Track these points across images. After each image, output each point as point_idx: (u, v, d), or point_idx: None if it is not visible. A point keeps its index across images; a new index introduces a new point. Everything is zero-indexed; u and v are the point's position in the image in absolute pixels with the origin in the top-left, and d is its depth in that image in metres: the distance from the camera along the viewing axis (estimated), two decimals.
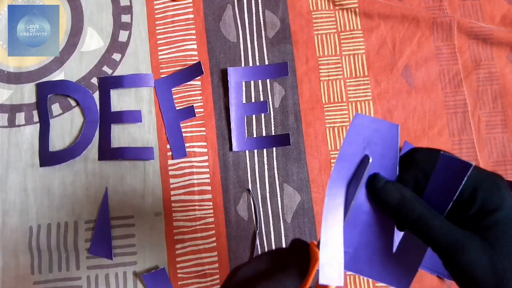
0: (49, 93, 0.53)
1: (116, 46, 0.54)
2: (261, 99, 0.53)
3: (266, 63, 0.54)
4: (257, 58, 0.54)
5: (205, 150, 0.52)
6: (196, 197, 0.51)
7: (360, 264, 0.25)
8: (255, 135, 0.52)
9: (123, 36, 0.54)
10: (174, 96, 0.53)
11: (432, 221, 0.21)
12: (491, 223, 0.20)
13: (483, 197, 0.21)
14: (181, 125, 0.52)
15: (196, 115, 0.52)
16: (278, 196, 0.51)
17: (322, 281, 0.22)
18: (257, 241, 0.50)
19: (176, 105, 0.53)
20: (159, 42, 0.54)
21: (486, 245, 0.20)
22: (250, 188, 0.51)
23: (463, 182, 0.21)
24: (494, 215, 0.20)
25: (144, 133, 0.52)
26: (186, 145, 0.52)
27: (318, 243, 0.23)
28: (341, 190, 0.25)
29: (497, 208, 0.20)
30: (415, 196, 0.23)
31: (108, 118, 0.52)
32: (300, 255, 0.25)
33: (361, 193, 0.25)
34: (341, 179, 0.25)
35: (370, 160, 0.24)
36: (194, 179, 0.51)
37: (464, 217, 0.22)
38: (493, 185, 0.21)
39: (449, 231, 0.21)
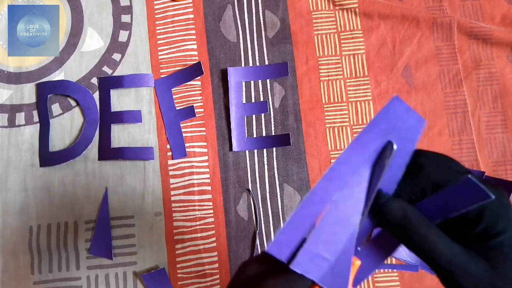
0: (49, 93, 0.53)
1: (116, 46, 0.54)
2: (261, 99, 0.53)
3: (266, 63, 0.54)
4: (257, 58, 0.54)
5: (205, 150, 0.52)
6: (196, 197, 0.51)
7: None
8: (255, 135, 0.52)
9: (123, 36, 0.54)
10: (174, 96, 0.53)
11: (436, 245, 0.20)
12: (496, 244, 0.20)
13: (489, 217, 0.20)
14: (181, 125, 0.52)
15: (196, 115, 0.52)
16: (278, 196, 0.51)
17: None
18: (257, 241, 0.50)
19: (176, 105, 0.53)
20: (159, 42, 0.54)
21: (488, 268, 0.20)
22: (250, 188, 0.51)
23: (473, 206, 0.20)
24: (500, 237, 0.20)
25: (144, 133, 0.52)
26: (186, 145, 0.52)
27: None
28: (362, 171, 0.22)
29: (503, 230, 0.20)
30: (419, 215, 0.22)
31: (108, 118, 0.52)
32: None
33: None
34: (358, 160, 0.22)
35: (395, 147, 0.22)
36: (194, 179, 0.51)
37: (467, 233, 0.21)
38: (501, 206, 0.21)
39: (453, 255, 0.20)
